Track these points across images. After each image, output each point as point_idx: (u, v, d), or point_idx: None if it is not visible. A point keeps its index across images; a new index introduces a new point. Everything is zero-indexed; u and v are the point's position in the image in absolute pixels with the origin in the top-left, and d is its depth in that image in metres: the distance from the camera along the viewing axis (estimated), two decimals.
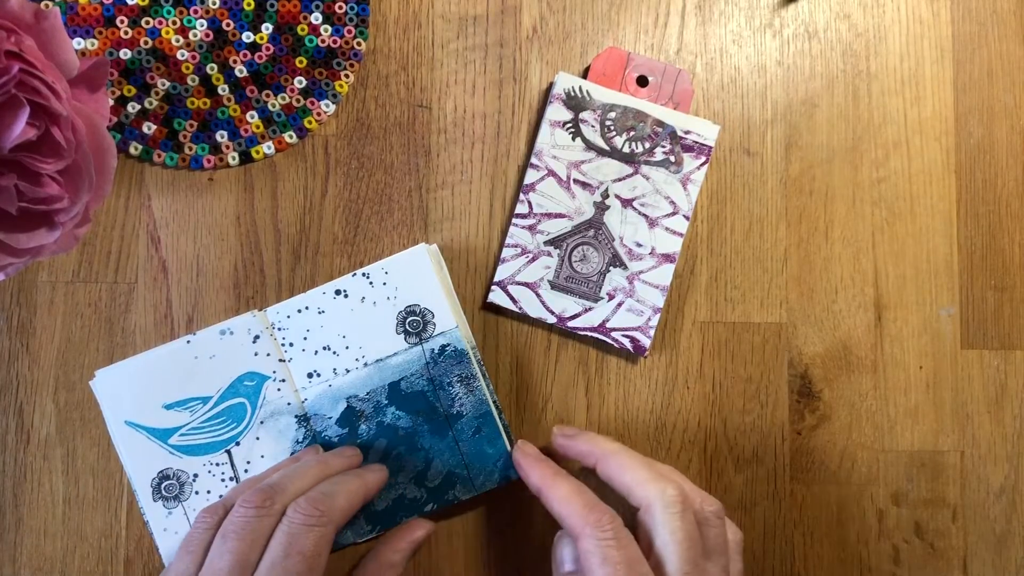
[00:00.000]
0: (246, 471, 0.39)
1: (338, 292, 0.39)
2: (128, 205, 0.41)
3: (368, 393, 0.39)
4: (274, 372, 0.39)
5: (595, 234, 0.41)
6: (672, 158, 0.41)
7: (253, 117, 0.41)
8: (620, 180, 0.41)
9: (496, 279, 0.41)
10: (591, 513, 0.33)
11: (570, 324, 0.41)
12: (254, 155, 0.41)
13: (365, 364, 0.39)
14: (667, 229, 0.41)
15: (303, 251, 0.41)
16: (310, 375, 0.39)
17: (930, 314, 0.43)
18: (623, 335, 0.41)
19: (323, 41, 0.41)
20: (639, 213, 0.41)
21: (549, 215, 0.41)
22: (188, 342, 0.38)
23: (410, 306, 0.39)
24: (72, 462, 0.40)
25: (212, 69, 0.40)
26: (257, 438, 0.39)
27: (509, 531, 0.41)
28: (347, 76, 0.41)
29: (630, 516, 0.36)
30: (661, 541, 0.33)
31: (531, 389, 0.41)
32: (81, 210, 0.34)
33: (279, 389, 0.39)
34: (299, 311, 0.39)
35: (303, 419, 0.39)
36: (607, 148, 0.41)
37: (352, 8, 0.41)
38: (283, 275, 0.41)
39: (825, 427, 0.42)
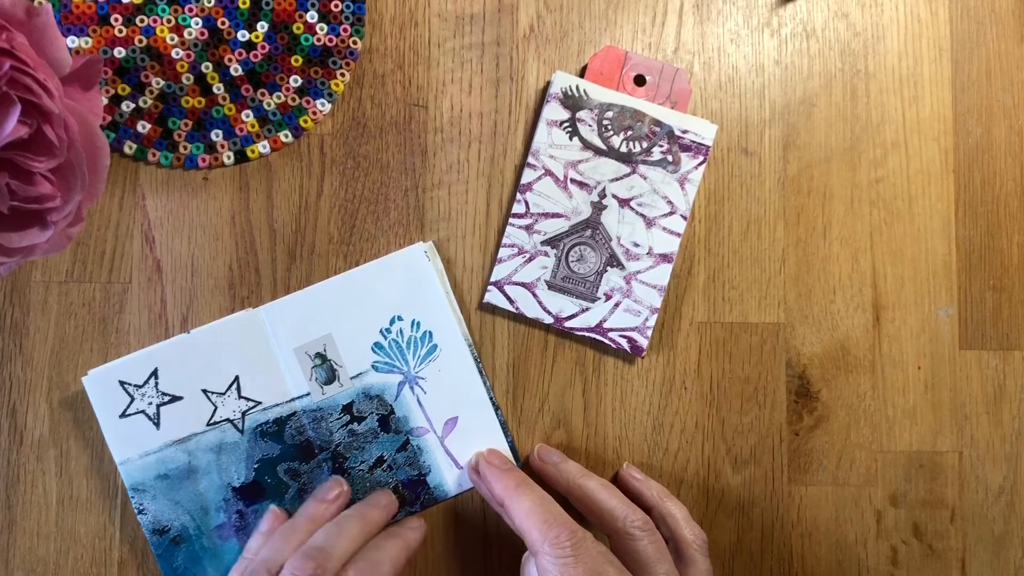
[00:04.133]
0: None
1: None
2: (122, 204, 0.40)
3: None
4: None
5: (592, 234, 0.41)
6: (670, 157, 0.41)
7: (248, 116, 0.40)
8: (617, 180, 0.41)
9: (493, 279, 0.41)
10: (550, 529, 0.32)
11: (567, 324, 0.41)
12: (249, 154, 0.40)
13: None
14: (664, 229, 0.41)
15: (299, 251, 0.41)
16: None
17: (928, 314, 0.42)
18: (620, 335, 0.41)
19: (319, 40, 0.40)
20: (636, 213, 0.41)
21: (546, 215, 0.41)
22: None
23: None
24: (66, 463, 0.40)
25: (207, 68, 0.40)
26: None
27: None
28: (343, 75, 0.41)
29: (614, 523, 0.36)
30: None
31: (528, 390, 0.41)
32: (74, 209, 0.33)
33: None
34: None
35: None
36: (604, 147, 0.41)
37: (348, 6, 0.41)
38: (278, 275, 0.41)
39: (823, 428, 0.42)
